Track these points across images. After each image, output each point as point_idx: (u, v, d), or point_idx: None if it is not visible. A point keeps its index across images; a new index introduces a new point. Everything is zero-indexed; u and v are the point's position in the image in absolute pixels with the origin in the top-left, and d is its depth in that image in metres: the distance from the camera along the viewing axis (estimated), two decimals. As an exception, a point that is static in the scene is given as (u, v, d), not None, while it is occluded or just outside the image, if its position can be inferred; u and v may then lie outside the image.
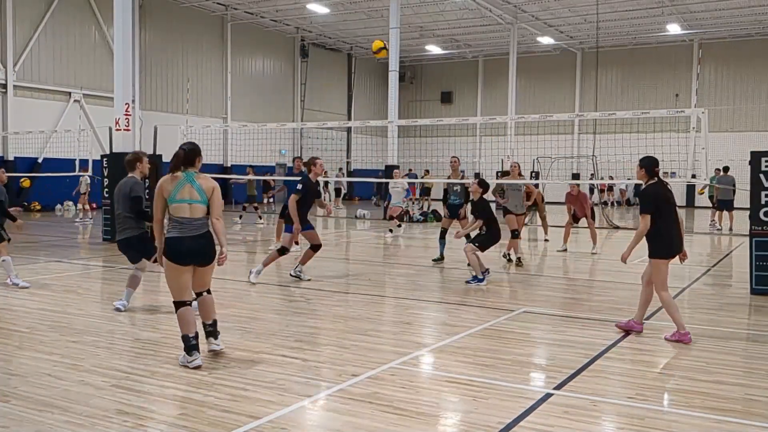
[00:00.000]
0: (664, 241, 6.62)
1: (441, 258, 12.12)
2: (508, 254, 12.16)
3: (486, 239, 10.13)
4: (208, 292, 5.80)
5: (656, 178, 6.82)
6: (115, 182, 8.32)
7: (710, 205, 21.20)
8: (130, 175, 7.65)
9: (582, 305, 8.51)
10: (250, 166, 21.17)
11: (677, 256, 6.77)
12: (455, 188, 12.13)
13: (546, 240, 16.19)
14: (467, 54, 40.58)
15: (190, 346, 5.41)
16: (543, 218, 16.87)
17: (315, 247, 9.84)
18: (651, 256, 6.67)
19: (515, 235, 11.90)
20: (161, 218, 5.64)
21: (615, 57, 37.08)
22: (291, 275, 9.99)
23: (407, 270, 11.21)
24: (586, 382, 5.18)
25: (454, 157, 12.83)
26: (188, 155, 5.62)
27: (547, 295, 9.35)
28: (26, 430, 4.08)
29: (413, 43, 36.76)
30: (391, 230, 17.65)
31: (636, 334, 6.73)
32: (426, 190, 29.22)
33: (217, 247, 5.64)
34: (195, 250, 5.51)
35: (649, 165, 6.80)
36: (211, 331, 5.79)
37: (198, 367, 5.34)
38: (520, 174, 12.89)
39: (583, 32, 34.21)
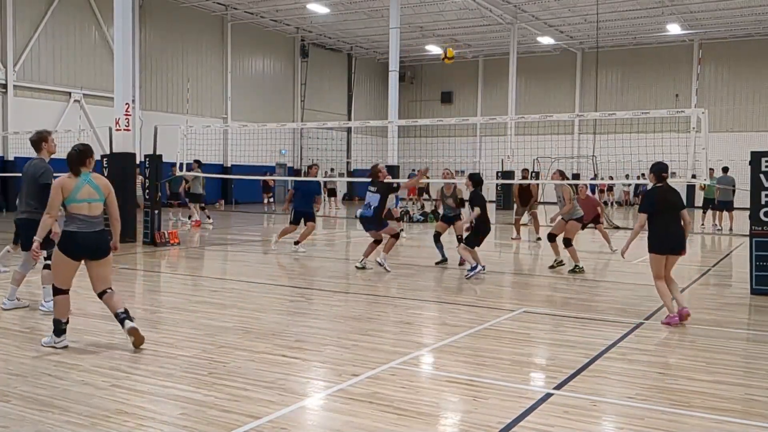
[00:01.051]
0: (657, 237, 7.43)
1: (444, 259, 12.01)
2: (577, 265, 11.27)
3: (473, 238, 10.42)
4: (111, 289, 6.07)
5: (662, 183, 7.46)
6: (115, 182, 8.27)
7: (702, 206, 21.09)
8: (38, 157, 7.47)
9: (582, 305, 8.51)
10: (196, 161, 19.13)
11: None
12: (448, 201, 12.07)
13: (538, 239, 15.99)
14: (467, 54, 40.59)
15: (60, 330, 5.91)
16: (534, 216, 16.43)
17: (396, 236, 11.27)
18: (648, 250, 7.55)
19: (567, 243, 11.28)
20: (55, 215, 6.02)
21: (615, 57, 37.09)
22: (378, 262, 10.91)
23: (407, 270, 11.21)
24: (586, 382, 5.18)
25: (446, 169, 12.75)
26: (80, 156, 5.97)
27: (547, 295, 9.34)
28: (26, 430, 4.08)
29: (413, 43, 36.75)
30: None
31: (640, 332, 6.73)
32: (420, 191, 29.08)
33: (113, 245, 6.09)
34: (89, 245, 5.87)
35: (657, 170, 7.52)
36: (125, 317, 6.00)
37: (65, 347, 5.85)
38: (564, 178, 11.99)
39: (583, 32, 34.22)
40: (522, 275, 11.55)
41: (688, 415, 4.49)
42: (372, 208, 10.95)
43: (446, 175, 12.49)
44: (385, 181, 11.45)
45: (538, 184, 17.35)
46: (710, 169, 20.33)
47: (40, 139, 7.51)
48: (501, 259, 13.59)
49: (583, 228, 13.44)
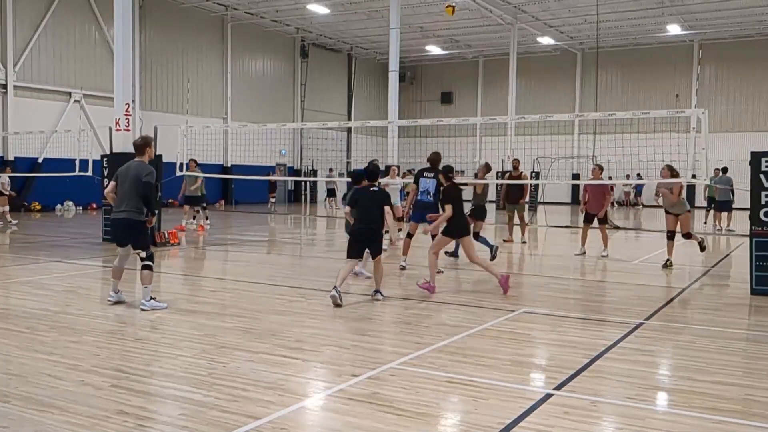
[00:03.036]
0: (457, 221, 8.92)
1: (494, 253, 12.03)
2: (669, 259, 11.62)
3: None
4: None
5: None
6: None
7: (707, 206, 21.08)
8: (140, 159, 7.79)
9: (582, 305, 8.51)
10: (192, 160, 18.31)
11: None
12: (478, 192, 12.93)
13: (523, 242, 15.76)
14: (467, 54, 40.59)
15: None
16: (521, 218, 15.99)
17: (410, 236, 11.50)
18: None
19: (670, 236, 11.63)
20: None
21: (615, 57, 37.08)
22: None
23: (408, 270, 11.21)
24: (586, 382, 5.18)
25: (486, 163, 13.67)
26: None
27: (547, 295, 9.34)
28: (26, 430, 4.08)
29: (413, 43, 36.75)
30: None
31: (640, 332, 6.73)
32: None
33: None
34: None
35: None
36: None
37: None
38: (674, 174, 11.78)
39: (584, 32, 34.21)
40: (522, 275, 11.54)
41: (688, 415, 4.49)
42: (431, 194, 10.85)
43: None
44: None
45: (528, 184, 17.00)
46: (716, 169, 20.34)
47: (144, 144, 7.85)
48: (500, 259, 13.58)
49: (590, 222, 13.46)
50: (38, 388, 4.84)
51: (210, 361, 5.58)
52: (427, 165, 11.25)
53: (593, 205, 13.33)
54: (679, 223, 11.67)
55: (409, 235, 11.27)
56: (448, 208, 8.98)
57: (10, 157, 24.21)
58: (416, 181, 11.06)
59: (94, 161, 18.19)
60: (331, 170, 34.18)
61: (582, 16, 30.91)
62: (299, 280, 10.24)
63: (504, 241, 15.78)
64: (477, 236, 12.63)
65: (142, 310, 7.51)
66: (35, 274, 10.35)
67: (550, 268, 11.94)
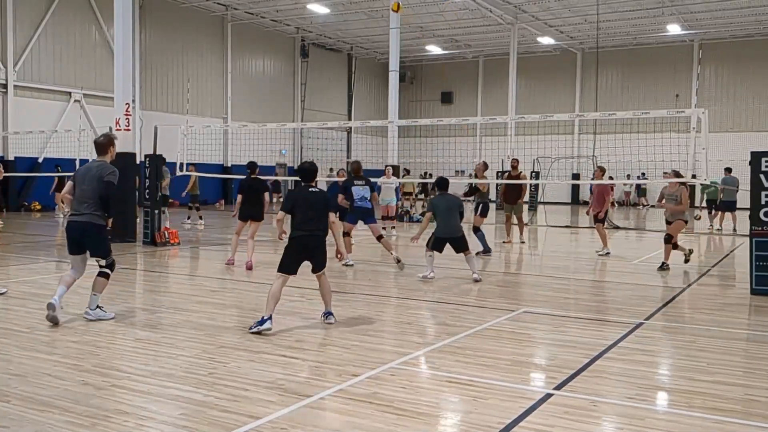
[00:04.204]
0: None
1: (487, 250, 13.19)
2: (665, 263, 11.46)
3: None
4: None
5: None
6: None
7: (707, 206, 21.03)
8: (102, 159, 7.06)
9: (582, 305, 8.51)
10: (192, 164, 18.68)
11: None
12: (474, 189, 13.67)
13: (522, 242, 15.72)
14: (467, 54, 40.60)
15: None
16: (519, 218, 15.80)
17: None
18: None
19: (667, 240, 11.49)
20: None
21: (615, 57, 37.09)
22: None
23: (407, 270, 11.20)
24: (586, 382, 5.18)
25: (482, 161, 14.38)
26: None
27: (547, 295, 9.34)
28: (26, 430, 4.08)
29: (413, 43, 36.76)
30: (384, 228, 17.32)
31: (640, 332, 6.73)
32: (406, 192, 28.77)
33: None
34: None
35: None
36: None
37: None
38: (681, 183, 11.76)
39: (584, 32, 34.22)
40: (522, 275, 11.54)
41: (688, 415, 4.49)
42: (368, 200, 11.40)
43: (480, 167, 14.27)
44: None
45: (527, 184, 17.06)
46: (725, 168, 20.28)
47: (108, 143, 7.07)
48: (500, 259, 13.58)
49: (599, 222, 13.64)
50: (38, 387, 4.84)
51: (210, 360, 5.58)
52: (354, 175, 12.01)
53: (595, 205, 13.58)
54: (676, 227, 11.47)
55: (347, 234, 11.65)
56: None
57: (11, 157, 24.21)
58: (348, 191, 11.47)
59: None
60: (331, 170, 34.18)
61: (582, 16, 30.92)
62: (299, 280, 10.20)
63: (503, 242, 15.77)
64: (477, 231, 13.05)
65: (87, 319, 6.90)
66: (35, 274, 10.35)
67: (550, 268, 11.95)
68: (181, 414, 4.37)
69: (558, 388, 5.01)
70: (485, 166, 14.25)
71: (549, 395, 4.84)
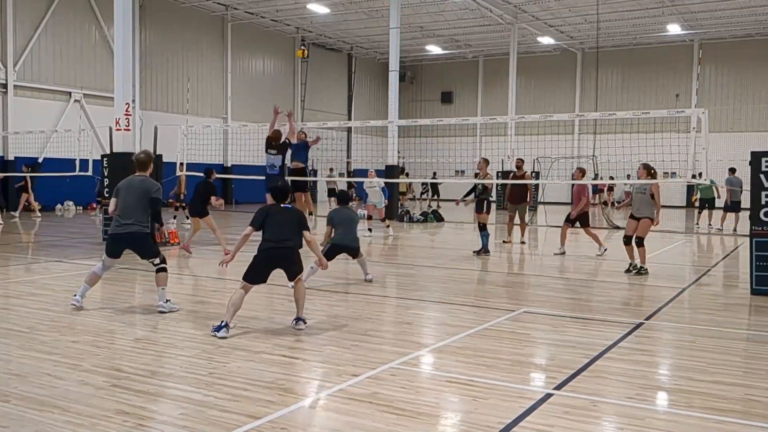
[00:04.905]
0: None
1: (485, 251, 13.26)
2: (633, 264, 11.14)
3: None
4: None
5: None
6: (115, 182, 8.28)
7: (699, 206, 21.00)
8: (144, 174, 7.79)
9: (582, 305, 8.51)
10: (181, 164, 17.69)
11: None
12: (479, 187, 13.48)
13: (522, 242, 15.72)
14: (467, 54, 40.58)
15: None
16: (522, 218, 15.82)
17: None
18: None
19: (638, 242, 10.93)
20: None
21: (615, 57, 37.08)
22: None
23: (407, 270, 11.21)
24: (586, 382, 5.18)
25: (482, 158, 14.39)
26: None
27: (547, 295, 9.34)
28: (26, 430, 4.08)
29: (413, 43, 36.75)
30: (370, 230, 17.11)
31: (640, 332, 6.73)
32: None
33: None
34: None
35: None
36: None
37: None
38: (650, 174, 11.44)
39: (584, 32, 34.21)
40: (522, 275, 11.54)
41: (688, 415, 4.49)
42: (278, 167, 12.47)
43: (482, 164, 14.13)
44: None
45: (531, 184, 17.06)
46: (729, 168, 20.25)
47: (149, 160, 7.86)
48: (501, 260, 13.59)
49: (572, 225, 13.59)
50: (38, 387, 4.84)
51: (210, 360, 5.58)
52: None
53: (574, 206, 13.56)
54: (638, 226, 10.99)
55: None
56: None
57: (11, 157, 24.21)
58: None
59: (94, 161, 18.17)
60: (331, 170, 34.20)
61: (582, 16, 30.91)
62: (299, 280, 10.23)
63: (504, 242, 15.78)
64: (483, 228, 13.31)
65: (161, 312, 7.44)
66: (35, 274, 10.35)
67: (550, 268, 11.94)
68: (181, 414, 4.38)
69: (558, 388, 5.01)
70: (487, 162, 14.17)
71: (549, 395, 4.84)
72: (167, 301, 7.56)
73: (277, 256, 6.78)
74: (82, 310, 7.48)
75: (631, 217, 11.14)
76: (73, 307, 7.52)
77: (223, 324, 6.38)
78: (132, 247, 7.68)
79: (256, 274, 6.79)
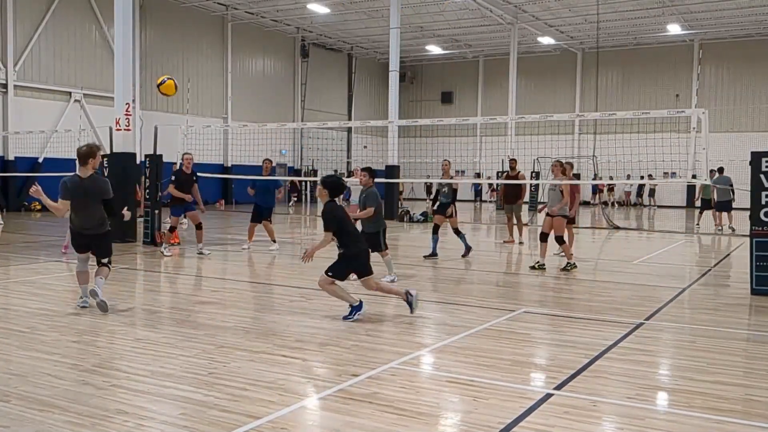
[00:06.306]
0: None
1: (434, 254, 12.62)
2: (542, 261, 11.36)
3: (338, 265, 7.45)
4: None
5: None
6: (115, 182, 8.28)
7: (701, 207, 20.97)
8: (86, 169, 7.35)
9: (582, 305, 8.51)
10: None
11: None
12: (444, 189, 12.78)
13: (520, 243, 15.62)
14: (467, 54, 40.60)
15: None
16: (518, 218, 15.70)
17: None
18: None
19: (558, 240, 11.21)
20: None
21: (615, 57, 37.10)
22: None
23: (407, 270, 11.21)
24: (586, 382, 5.18)
25: (446, 160, 13.59)
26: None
27: (547, 295, 9.34)
28: (26, 430, 4.08)
29: (413, 43, 36.77)
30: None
31: (640, 332, 6.73)
32: None
33: None
34: None
35: None
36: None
37: None
38: (564, 173, 11.85)
39: (584, 32, 34.23)
40: (522, 275, 11.54)
41: (688, 415, 4.49)
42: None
43: (446, 166, 13.42)
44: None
45: (527, 184, 16.93)
46: (711, 170, 20.29)
47: (89, 153, 7.31)
48: (500, 260, 13.58)
49: (569, 223, 13.43)
50: (39, 387, 4.84)
51: (210, 360, 5.58)
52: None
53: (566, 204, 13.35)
54: (552, 225, 11.20)
55: (172, 229, 13.19)
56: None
57: (11, 157, 24.22)
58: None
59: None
60: (335, 172, 34.33)
61: (582, 16, 30.93)
62: (299, 280, 10.24)
63: (504, 242, 15.78)
64: (458, 233, 12.84)
65: (91, 296, 7.34)
66: (35, 274, 10.34)
67: (549, 268, 11.93)
68: (181, 414, 4.37)
69: (558, 388, 5.01)
70: (449, 163, 13.70)
71: (549, 395, 4.84)
72: (96, 294, 7.29)
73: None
74: (85, 308, 7.51)
75: (548, 214, 11.43)
76: (86, 307, 7.49)
77: (354, 306, 7.15)
78: (90, 245, 7.52)
79: (344, 274, 7.41)
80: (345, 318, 7.18)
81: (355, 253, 7.31)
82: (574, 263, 11.30)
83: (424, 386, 5.09)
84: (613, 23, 32.14)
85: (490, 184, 34.21)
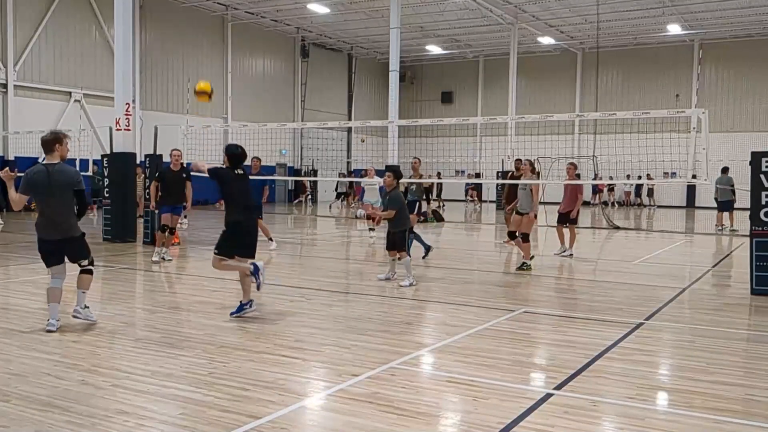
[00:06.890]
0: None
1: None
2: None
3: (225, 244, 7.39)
4: None
5: None
6: (116, 182, 8.21)
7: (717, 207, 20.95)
8: (55, 158, 6.54)
9: (582, 305, 8.51)
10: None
11: None
12: (411, 187, 12.89)
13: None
14: (468, 54, 40.57)
15: None
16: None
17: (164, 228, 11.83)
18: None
19: (523, 237, 11.37)
20: None
21: (615, 57, 37.07)
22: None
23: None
24: (586, 382, 5.18)
25: (415, 158, 13.72)
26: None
27: (547, 295, 9.34)
28: (26, 430, 4.08)
29: (413, 43, 36.74)
30: (371, 229, 17.06)
31: (640, 332, 6.73)
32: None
33: None
34: None
35: None
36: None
37: None
38: (533, 172, 12.13)
39: (584, 32, 34.21)
40: (523, 275, 11.53)
41: (688, 415, 4.49)
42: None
43: (416, 164, 13.71)
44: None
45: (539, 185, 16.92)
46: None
47: (54, 140, 6.51)
48: (500, 259, 13.58)
49: (564, 223, 13.47)
50: (39, 387, 4.84)
51: (210, 360, 5.58)
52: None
53: (566, 204, 13.35)
54: (521, 222, 11.43)
55: (172, 230, 12.32)
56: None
57: (11, 157, 24.22)
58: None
59: (94, 161, 18.18)
60: (341, 173, 34.56)
61: (582, 16, 30.91)
62: (299, 279, 10.24)
63: (504, 242, 15.76)
64: (411, 231, 12.55)
65: (75, 317, 6.71)
66: (35, 274, 10.34)
67: (550, 268, 11.94)
68: (181, 414, 4.38)
69: (558, 388, 5.01)
70: (419, 161, 13.84)
71: (549, 395, 4.84)
72: (86, 307, 6.77)
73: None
74: (52, 332, 6.47)
75: (517, 212, 11.60)
76: (53, 330, 6.48)
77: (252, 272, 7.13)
78: (64, 251, 6.65)
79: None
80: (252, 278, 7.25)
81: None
82: (530, 264, 11.25)
83: (424, 386, 5.09)
84: (613, 23, 32.12)
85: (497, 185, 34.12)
